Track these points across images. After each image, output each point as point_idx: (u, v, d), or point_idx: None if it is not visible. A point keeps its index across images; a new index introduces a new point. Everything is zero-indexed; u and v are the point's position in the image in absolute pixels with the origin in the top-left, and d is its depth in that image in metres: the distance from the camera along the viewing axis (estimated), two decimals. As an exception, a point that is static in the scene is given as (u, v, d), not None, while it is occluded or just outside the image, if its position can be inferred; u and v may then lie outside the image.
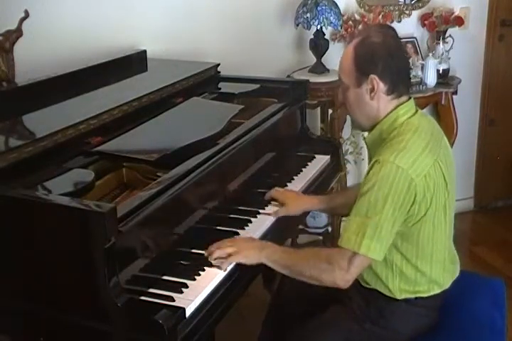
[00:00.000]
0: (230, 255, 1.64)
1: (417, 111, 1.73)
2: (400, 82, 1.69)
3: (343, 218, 3.10)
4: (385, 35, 1.68)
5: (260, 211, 1.94)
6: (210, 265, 1.63)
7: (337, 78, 1.87)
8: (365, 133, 1.84)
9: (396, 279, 1.72)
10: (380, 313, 1.75)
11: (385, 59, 1.65)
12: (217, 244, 1.68)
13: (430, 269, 1.72)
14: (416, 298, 1.74)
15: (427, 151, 1.62)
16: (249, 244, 1.71)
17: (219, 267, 1.63)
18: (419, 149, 1.61)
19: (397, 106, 1.70)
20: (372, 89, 1.67)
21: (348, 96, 1.73)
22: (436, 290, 1.76)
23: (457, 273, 1.83)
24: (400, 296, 1.73)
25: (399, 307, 1.75)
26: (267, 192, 2.02)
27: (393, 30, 1.73)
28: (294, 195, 2.04)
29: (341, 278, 1.60)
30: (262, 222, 1.89)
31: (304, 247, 1.82)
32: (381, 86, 1.66)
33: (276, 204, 1.98)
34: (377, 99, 1.68)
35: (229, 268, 1.64)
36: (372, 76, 1.65)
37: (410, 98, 1.73)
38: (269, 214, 1.93)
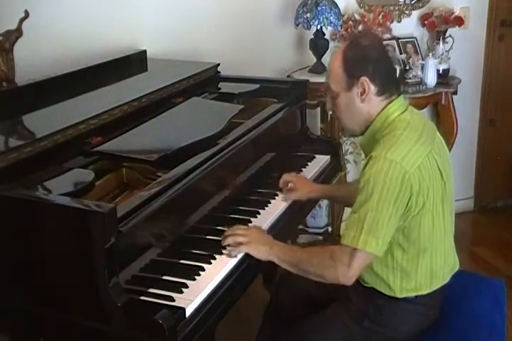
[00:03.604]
0: (241, 244, 1.69)
1: (407, 107, 1.74)
2: (390, 83, 1.71)
3: (344, 219, 3.11)
4: (372, 39, 1.74)
5: (272, 200, 2.02)
6: (210, 263, 1.64)
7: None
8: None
9: (397, 277, 1.71)
10: (379, 312, 1.75)
11: (375, 61, 1.67)
12: (232, 230, 1.74)
13: (431, 262, 1.72)
14: (416, 296, 1.74)
15: (419, 144, 1.63)
16: (262, 238, 1.75)
17: (229, 254, 1.69)
18: (411, 142, 1.63)
19: (387, 104, 1.71)
20: (363, 92, 1.68)
21: (338, 102, 1.74)
22: (437, 285, 1.76)
23: (457, 267, 1.83)
24: (400, 295, 1.73)
25: (398, 306, 1.75)
26: (281, 179, 2.07)
27: (376, 35, 1.77)
28: (305, 181, 2.12)
29: (344, 274, 1.61)
30: (262, 222, 1.89)
31: (308, 246, 1.85)
32: (372, 88, 1.68)
33: (287, 188, 2.06)
34: (367, 101, 1.70)
35: (233, 263, 1.66)
36: (363, 78, 1.67)
37: (400, 95, 1.74)
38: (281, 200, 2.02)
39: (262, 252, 1.71)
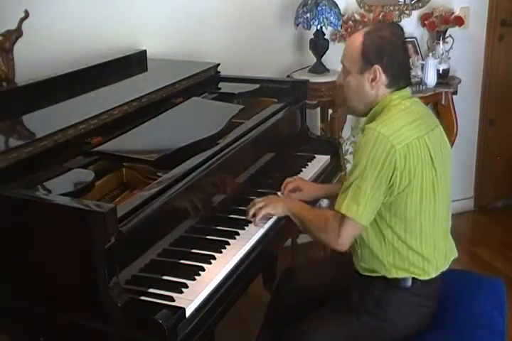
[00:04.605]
0: (261, 209, 1.85)
1: (411, 97, 1.79)
2: (401, 78, 1.77)
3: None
4: (394, 33, 1.77)
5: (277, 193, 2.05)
6: (210, 263, 1.64)
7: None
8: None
9: (390, 255, 1.75)
10: (377, 304, 1.77)
11: (391, 54, 1.72)
12: (252, 203, 1.88)
13: (420, 246, 1.75)
14: (413, 281, 1.75)
15: (411, 126, 1.69)
16: (277, 198, 1.95)
17: (255, 224, 1.84)
18: (403, 122, 1.69)
19: (393, 92, 1.76)
20: (374, 79, 1.73)
21: (349, 81, 1.79)
22: (432, 273, 1.77)
23: (452, 257, 1.85)
24: (396, 274, 1.75)
25: (396, 297, 1.76)
26: (286, 186, 2.06)
27: (402, 30, 1.82)
28: (307, 182, 2.14)
29: (335, 241, 1.71)
30: (262, 222, 1.88)
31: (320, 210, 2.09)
32: (383, 78, 1.73)
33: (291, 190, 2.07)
34: (376, 88, 1.75)
35: (233, 263, 1.67)
36: (376, 66, 1.72)
37: (407, 86, 1.79)
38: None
39: (279, 209, 1.86)
